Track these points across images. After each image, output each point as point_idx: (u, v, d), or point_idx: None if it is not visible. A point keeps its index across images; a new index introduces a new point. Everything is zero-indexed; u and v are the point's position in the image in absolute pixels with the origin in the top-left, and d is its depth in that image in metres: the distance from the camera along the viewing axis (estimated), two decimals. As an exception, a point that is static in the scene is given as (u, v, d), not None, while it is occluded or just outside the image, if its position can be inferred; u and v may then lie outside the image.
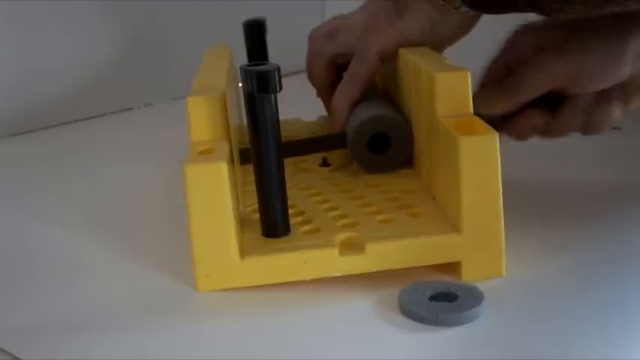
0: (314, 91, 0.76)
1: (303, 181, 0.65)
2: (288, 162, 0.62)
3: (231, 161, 0.55)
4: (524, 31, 0.63)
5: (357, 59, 0.68)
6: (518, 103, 0.62)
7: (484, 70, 0.64)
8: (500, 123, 0.62)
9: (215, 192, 0.51)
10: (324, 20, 0.77)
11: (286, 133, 0.66)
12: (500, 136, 0.56)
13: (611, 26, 0.60)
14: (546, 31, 0.62)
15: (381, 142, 0.65)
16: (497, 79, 0.63)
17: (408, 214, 0.57)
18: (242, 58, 0.74)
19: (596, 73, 0.60)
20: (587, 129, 0.63)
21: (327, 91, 0.73)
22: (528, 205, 0.62)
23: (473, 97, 0.56)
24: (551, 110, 0.63)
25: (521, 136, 0.64)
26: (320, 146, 0.69)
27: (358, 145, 0.65)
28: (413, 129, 0.64)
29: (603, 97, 0.62)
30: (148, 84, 1.02)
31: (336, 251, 0.52)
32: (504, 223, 0.52)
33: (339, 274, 0.52)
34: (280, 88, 0.51)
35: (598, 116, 0.62)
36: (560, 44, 0.60)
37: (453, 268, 0.53)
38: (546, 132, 0.64)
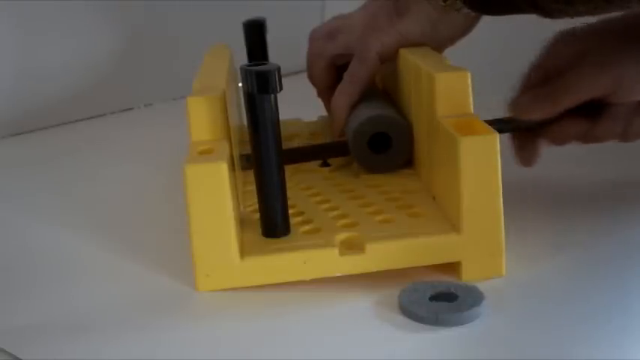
0: (314, 91, 0.76)
1: (303, 181, 0.65)
2: (288, 162, 0.62)
3: (231, 161, 0.55)
4: (565, 37, 0.62)
5: (357, 60, 0.68)
6: (558, 110, 0.61)
7: (524, 75, 0.64)
8: (538, 128, 0.62)
9: (215, 192, 0.51)
10: (324, 20, 0.78)
11: (286, 134, 0.66)
12: (539, 142, 0.56)
13: None
14: (587, 39, 0.61)
15: (381, 142, 0.65)
16: (537, 85, 0.62)
17: (408, 214, 0.57)
18: (242, 58, 0.74)
19: (637, 83, 0.60)
20: (626, 137, 0.63)
21: (327, 91, 0.73)
22: (528, 205, 0.62)
23: (512, 102, 0.56)
24: (590, 117, 0.62)
25: (560, 142, 0.64)
26: (321, 154, 0.69)
27: (358, 145, 0.65)
28: (413, 129, 0.64)
29: None
30: (148, 84, 1.02)
31: (336, 251, 0.52)
32: (504, 223, 0.52)
33: (339, 274, 0.52)
34: (280, 88, 0.51)
35: (638, 125, 0.62)
36: (601, 53, 0.60)
37: (453, 268, 0.53)
38: (585, 139, 0.63)
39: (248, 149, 0.54)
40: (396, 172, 0.65)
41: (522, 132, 0.63)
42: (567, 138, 0.63)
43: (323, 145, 0.71)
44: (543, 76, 0.62)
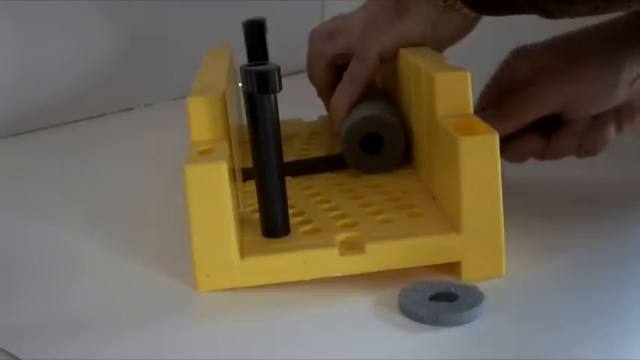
0: (314, 91, 0.76)
1: (303, 181, 0.65)
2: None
3: (231, 161, 0.55)
4: (519, 55, 0.63)
5: (356, 60, 0.68)
6: (514, 128, 0.62)
7: (480, 93, 0.64)
8: None
9: (215, 192, 0.51)
10: (324, 20, 0.77)
11: (286, 134, 0.66)
12: None
13: (606, 52, 0.60)
14: (541, 56, 0.62)
15: (374, 143, 0.65)
16: (492, 103, 0.63)
17: (408, 214, 0.57)
18: (242, 58, 0.74)
19: (591, 99, 0.61)
20: (582, 152, 0.64)
21: (327, 91, 0.73)
22: (528, 205, 0.62)
23: None
24: (546, 134, 0.63)
25: (517, 159, 0.65)
26: (323, 166, 0.69)
27: (351, 145, 0.65)
28: (413, 129, 0.64)
29: (598, 120, 0.63)
30: (148, 84, 1.02)
31: (336, 251, 0.52)
32: (504, 223, 0.52)
33: (339, 274, 0.52)
34: (280, 88, 0.51)
35: (593, 139, 0.63)
36: (555, 70, 0.61)
37: (453, 268, 0.53)
38: (542, 155, 0.65)
39: (248, 151, 0.54)
40: (396, 172, 0.65)
41: None
42: (525, 155, 0.64)
43: (321, 159, 0.71)
44: (499, 94, 0.63)
